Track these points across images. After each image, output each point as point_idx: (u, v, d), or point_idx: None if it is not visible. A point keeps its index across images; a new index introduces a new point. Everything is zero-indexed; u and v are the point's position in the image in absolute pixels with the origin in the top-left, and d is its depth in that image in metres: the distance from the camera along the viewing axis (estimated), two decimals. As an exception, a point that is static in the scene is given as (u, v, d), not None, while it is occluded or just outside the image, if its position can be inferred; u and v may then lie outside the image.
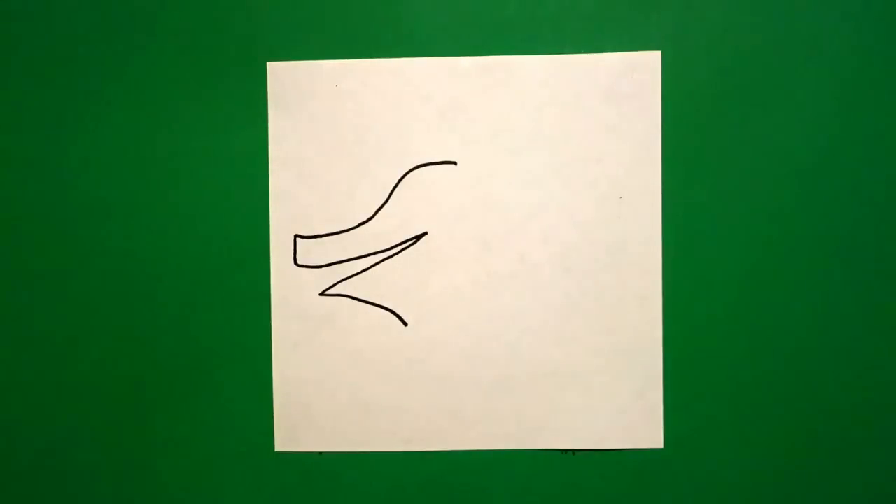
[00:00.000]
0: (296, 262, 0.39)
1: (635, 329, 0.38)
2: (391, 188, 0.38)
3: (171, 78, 0.39)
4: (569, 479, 0.39)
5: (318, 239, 0.39)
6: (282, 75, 0.38)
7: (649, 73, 0.38)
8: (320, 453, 0.39)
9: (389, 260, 0.39)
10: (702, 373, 0.38)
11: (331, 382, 0.39)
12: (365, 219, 0.39)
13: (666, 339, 0.38)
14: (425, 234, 0.39)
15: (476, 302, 0.38)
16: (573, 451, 0.39)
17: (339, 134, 0.38)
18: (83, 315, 0.39)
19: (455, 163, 0.38)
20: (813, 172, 0.38)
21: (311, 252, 0.39)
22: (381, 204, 0.39)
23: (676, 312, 0.38)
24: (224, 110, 0.38)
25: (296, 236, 0.39)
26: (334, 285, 0.39)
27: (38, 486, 0.40)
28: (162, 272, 0.39)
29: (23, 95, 0.39)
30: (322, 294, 0.39)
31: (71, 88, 0.39)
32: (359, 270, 0.39)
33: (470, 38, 0.38)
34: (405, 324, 0.39)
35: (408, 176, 0.38)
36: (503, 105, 0.38)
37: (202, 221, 0.39)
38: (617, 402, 0.38)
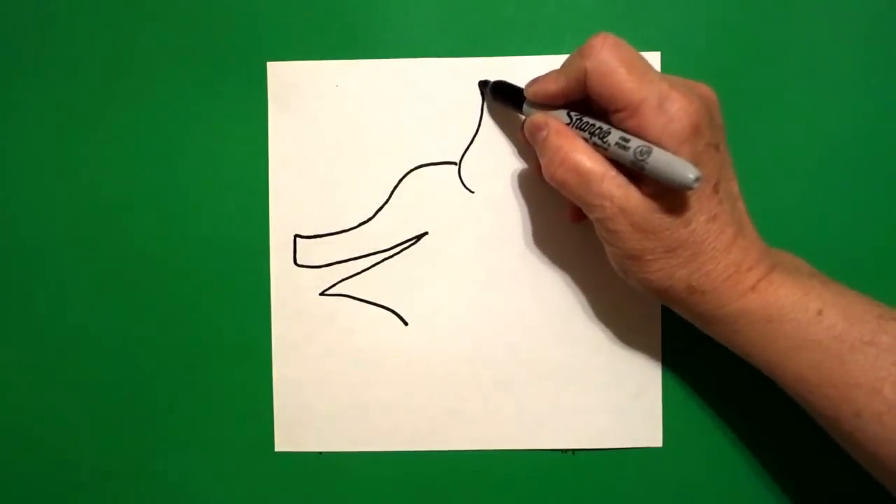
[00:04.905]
0: (296, 262, 0.39)
1: (635, 328, 0.38)
2: (391, 188, 0.38)
3: (171, 78, 0.38)
4: (569, 479, 0.39)
5: (318, 239, 0.39)
6: (282, 75, 0.38)
7: (649, 74, 0.38)
8: (320, 453, 0.39)
9: (389, 260, 0.39)
10: (701, 371, 0.38)
11: (331, 382, 0.39)
12: (365, 219, 0.39)
13: (665, 338, 0.38)
14: (425, 234, 0.39)
15: (476, 302, 0.38)
16: (573, 450, 0.39)
17: (339, 134, 0.38)
18: (82, 315, 0.39)
19: (455, 163, 0.38)
20: (812, 172, 0.38)
21: (311, 252, 0.39)
22: (381, 204, 0.39)
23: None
24: (224, 110, 0.38)
25: (296, 236, 0.39)
26: (334, 285, 0.39)
27: (37, 486, 0.40)
28: (161, 272, 0.39)
29: (22, 95, 0.39)
30: (322, 294, 0.39)
31: (70, 88, 0.39)
32: (359, 270, 0.39)
33: (470, 39, 0.38)
34: (405, 324, 0.39)
35: (408, 176, 0.38)
36: (503, 105, 0.38)
37: (202, 221, 0.39)
38: (616, 402, 0.38)
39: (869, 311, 0.30)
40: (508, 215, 0.38)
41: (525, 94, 0.34)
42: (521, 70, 0.38)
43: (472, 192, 0.38)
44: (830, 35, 0.38)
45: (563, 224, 0.38)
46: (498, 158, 0.38)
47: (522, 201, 0.38)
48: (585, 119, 0.31)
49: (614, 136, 0.30)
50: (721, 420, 0.39)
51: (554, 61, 0.38)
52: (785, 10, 0.38)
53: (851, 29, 0.38)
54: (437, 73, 0.38)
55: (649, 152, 0.28)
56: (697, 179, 0.27)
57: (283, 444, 0.39)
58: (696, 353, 0.38)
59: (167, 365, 0.39)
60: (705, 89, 0.32)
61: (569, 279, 0.38)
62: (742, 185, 0.32)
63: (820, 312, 0.30)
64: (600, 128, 0.30)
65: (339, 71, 0.38)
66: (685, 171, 0.27)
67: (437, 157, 0.38)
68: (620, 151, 0.29)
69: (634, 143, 0.29)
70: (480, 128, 0.38)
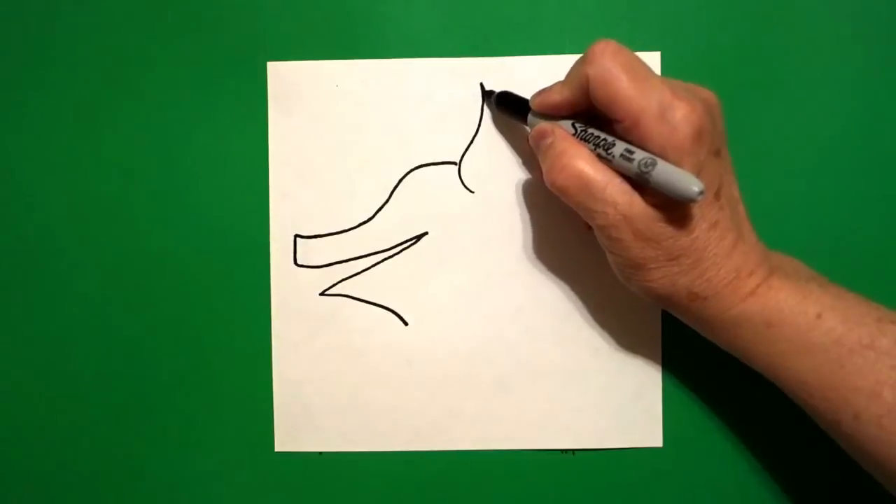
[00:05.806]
0: (296, 262, 0.39)
1: (635, 329, 0.38)
2: (391, 188, 0.38)
3: (171, 78, 0.38)
4: (569, 479, 0.39)
5: (318, 239, 0.39)
6: (282, 75, 0.38)
7: (649, 74, 0.38)
8: (320, 453, 0.39)
9: (389, 260, 0.39)
10: (701, 372, 0.38)
11: (331, 382, 0.39)
12: (365, 219, 0.39)
13: (665, 338, 0.38)
14: (425, 234, 0.39)
15: (476, 302, 0.38)
16: (573, 451, 0.39)
17: (339, 134, 0.38)
18: (82, 315, 0.39)
19: (455, 163, 0.38)
20: (812, 172, 0.38)
21: (311, 252, 0.39)
22: (381, 204, 0.39)
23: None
24: (224, 110, 0.38)
25: (296, 236, 0.39)
26: (334, 285, 0.39)
27: (37, 487, 0.40)
28: (161, 272, 0.39)
29: (22, 95, 0.39)
30: (322, 294, 0.39)
31: (70, 88, 0.39)
32: (359, 270, 0.39)
33: (470, 39, 0.38)
34: (405, 324, 0.39)
35: (408, 176, 0.38)
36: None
37: (202, 221, 0.39)
38: (616, 402, 0.38)
39: (868, 313, 0.30)
40: (508, 216, 0.38)
41: (530, 105, 0.34)
42: (522, 70, 0.38)
43: (472, 192, 0.38)
44: (830, 35, 0.38)
45: (563, 224, 0.38)
46: (498, 159, 0.38)
47: (522, 201, 0.38)
48: (590, 130, 0.31)
49: (619, 147, 0.30)
50: (721, 420, 0.39)
51: (554, 62, 0.38)
52: (785, 11, 0.38)
53: (851, 29, 0.38)
54: (437, 73, 0.38)
55: (654, 164, 0.28)
56: (702, 192, 0.27)
57: (283, 444, 0.39)
58: (696, 353, 0.38)
59: (167, 365, 0.39)
60: (707, 93, 0.32)
61: (569, 279, 0.38)
62: (742, 186, 0.32)
63: (819, 316, 0.30)
64: (605, 139, 0.30)
65: (340, 71, 0.38)
66: (690, 184, 0.27)
67: (437, 157, 0.38)
68: (625, 163, 0.29)
69: (639, 154, 0.29)
70: (480, 128, 0.38)
